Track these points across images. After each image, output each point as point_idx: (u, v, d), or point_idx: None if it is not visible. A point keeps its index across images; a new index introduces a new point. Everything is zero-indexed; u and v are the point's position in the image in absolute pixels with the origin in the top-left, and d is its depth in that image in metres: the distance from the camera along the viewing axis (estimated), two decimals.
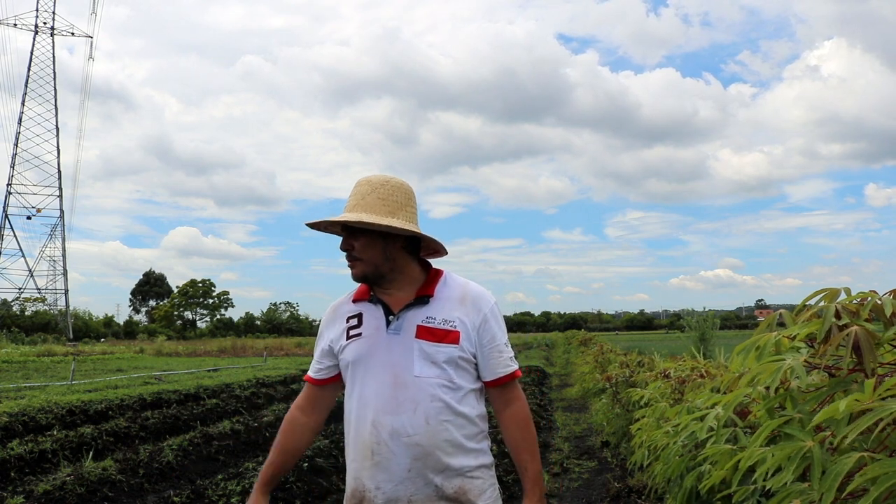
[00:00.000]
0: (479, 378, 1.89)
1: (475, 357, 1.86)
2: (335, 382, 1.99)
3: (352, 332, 1.89)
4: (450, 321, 1.84)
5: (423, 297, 1.86)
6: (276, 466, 1.98)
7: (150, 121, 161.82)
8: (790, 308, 1.37)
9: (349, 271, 1.88)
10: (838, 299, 1.09)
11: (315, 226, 1.90)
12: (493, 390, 1.90)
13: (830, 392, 1.09)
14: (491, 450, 1.93)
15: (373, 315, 1.89)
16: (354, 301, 1.95)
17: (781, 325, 1.28)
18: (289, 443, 2.00)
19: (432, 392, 1.78)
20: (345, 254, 1.86)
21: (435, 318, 1.83)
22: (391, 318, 1.85)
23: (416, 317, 1.84)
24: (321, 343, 1.99)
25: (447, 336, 1.82)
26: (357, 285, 1.97)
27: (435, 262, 2.01)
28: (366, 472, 1.81)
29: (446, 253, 1.99)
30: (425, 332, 1.82)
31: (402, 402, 1.79)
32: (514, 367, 1.90)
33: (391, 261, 1.86)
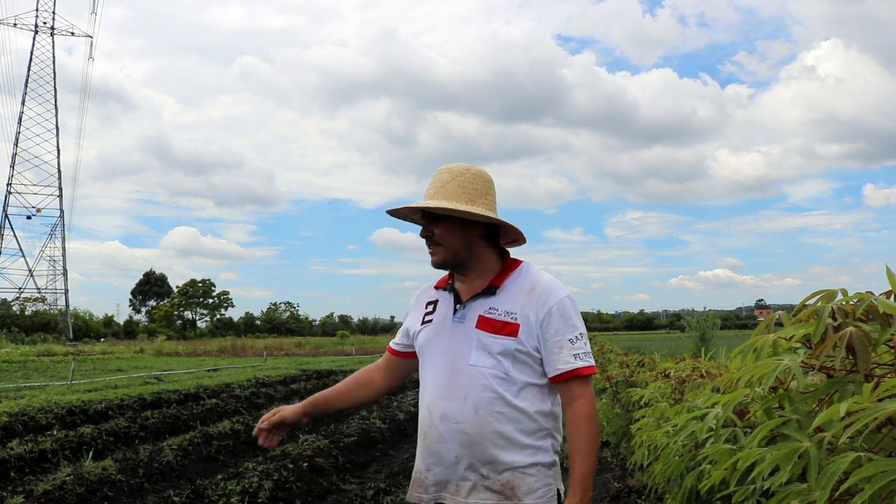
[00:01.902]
0: (544, 374, 1.86)
1: (538, 351, 1.83)
2: (410, 358, 2.07)
3: (426, 318, 1.96)
4: (511, 313, 1.83)
5: (491, 288, 1.89)
6: (330, 396, 2.12)
7: (149, 121, 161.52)
8: (790, 308, 1.37)
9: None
10: (835, 300, 1.10)
11: (395, 213, 1.97)
12: (558, 386, 1.85)
13: (828, 393, 1.10)
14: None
15: (445, 303, 1.94)
16: (436, 288, 2.02)
17: (780, 325, 1.28)
18: (353, 386, 2.13)
19: (485, 382, 1.79)
20: (424, 240, 1.91)
21: (497, 310, 1.85)
22: (458, 306, 1.89)
23: (480, 307, 1.87)
24: (405, 324, 2.08)
25: (505, 328, 1.82)
26: (442, 273, 2.02)
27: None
28: (420, 453, 1.90)
29: (525, 241, 2.00)
30: (485, 323, 1.84)
31: (454, 388, 1.82)
32: (578, 364, 1.82)
33: (469, 248, 1.90)
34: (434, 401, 1.85)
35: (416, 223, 2.00)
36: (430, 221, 1.88)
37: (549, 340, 1.83)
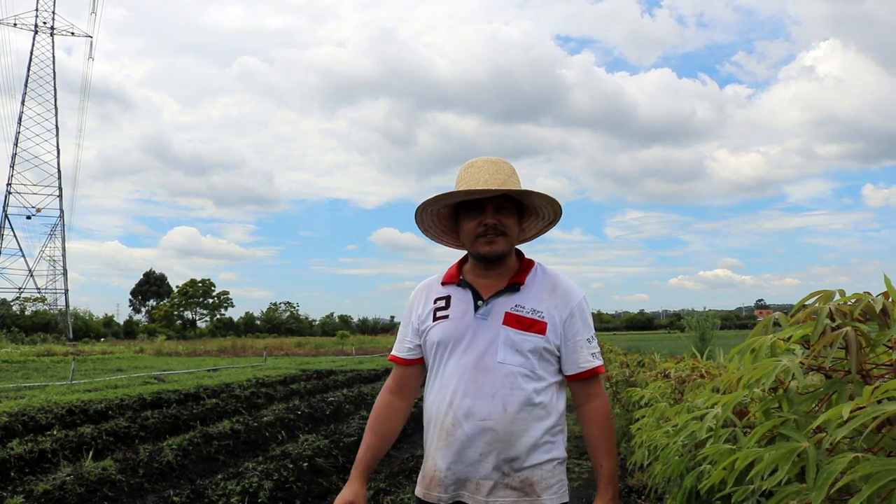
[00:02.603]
0: (560, 371, 1.88)
1: (559, 350, 1.85)
2: (423, 363, 1.98)
3: (439, 314, 1.91)
4: (538, 311, 1.84)
5: (514, 285, 1.87)
6: (374, 451, 1.97)
7: (148, 121, 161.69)
8: (790, 308, 1.37)
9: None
10: (833, 301, 1.10)
11: (431, 204, 1.88)
12: (575, 385, 1.88)
13: (827, 393, 1.10)
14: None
15: (461, 298, 1.90)
16: (444, 284, 1.97)
17: (778, 325, 1.28)
18: (384, 427, 1.99)
19: (513, 380, 1.78)
20: (481, 229, 1.83)
21: (524, 307, 1.83)
22: (480, 303, 1.86)
23: (506, 304, 1.84)
24: (410, 322, 2.00)
25: (534, 325, 1.82)
26: (445, 269, 2.01)
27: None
28: (439, 452, 1.84)
29: (530, 240, 2.04)
30: (513, 320, 1.82)
31: (481, 386, 1.79)
32: (598, 362, 1.87)
33: (516, 242, 1.91)
34: (458, 398, 1.80)
35: (438, 216, 1.96)
36: (497, 210, 1.84)
37: (571, 340, 1.85)
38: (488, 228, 1.83)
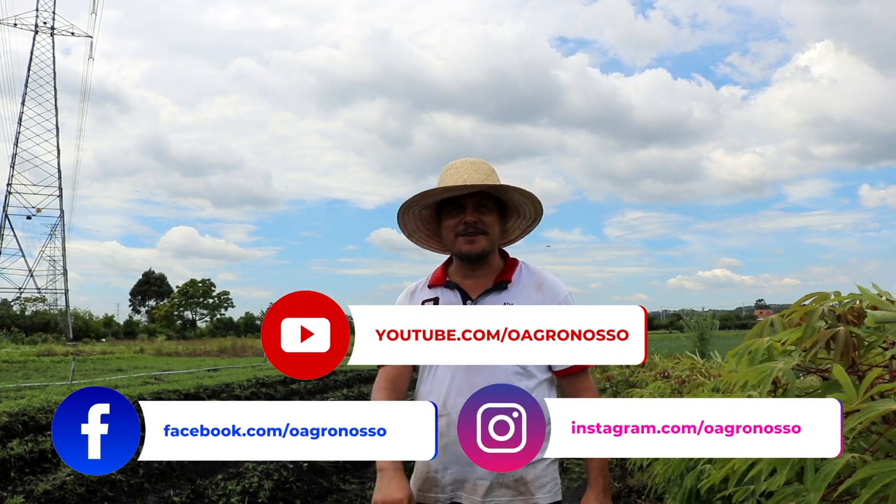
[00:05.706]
0: (550, 368, 1.88)
1: None
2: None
3: None
4: None
5: (501, 283, 1.88)
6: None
7: (146, 122, 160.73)
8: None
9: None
10: (827, 302, 1.10)
11: (412, 204, 1.88)
12: (564, 380, 1.89)
13: (823, 395, 1.10)
14: None
15: (449, 300, 1.90)
16: (430, 286, 1.96)
17: (774, 327, 1.29)
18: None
19: (505, 378, 1.78)
20: (461, 227, 1.84)
21: (512, 305, 1.83)
22: (468, 302, 1.87)
23: (494, 302, 1.85)
24: None
25: None
26: (431, 272, 2.00)
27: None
28: None
29: (516, 241, 2.03)
30: None
31: (473, 385, 1.76)
32: None
33: (498, 241, 1.91)
34: (451, 398, 1.81)
35: (422, 219, 1.96)
36: (477, 208, 1.84)
37: None
38: (468, 226, 1.84)
